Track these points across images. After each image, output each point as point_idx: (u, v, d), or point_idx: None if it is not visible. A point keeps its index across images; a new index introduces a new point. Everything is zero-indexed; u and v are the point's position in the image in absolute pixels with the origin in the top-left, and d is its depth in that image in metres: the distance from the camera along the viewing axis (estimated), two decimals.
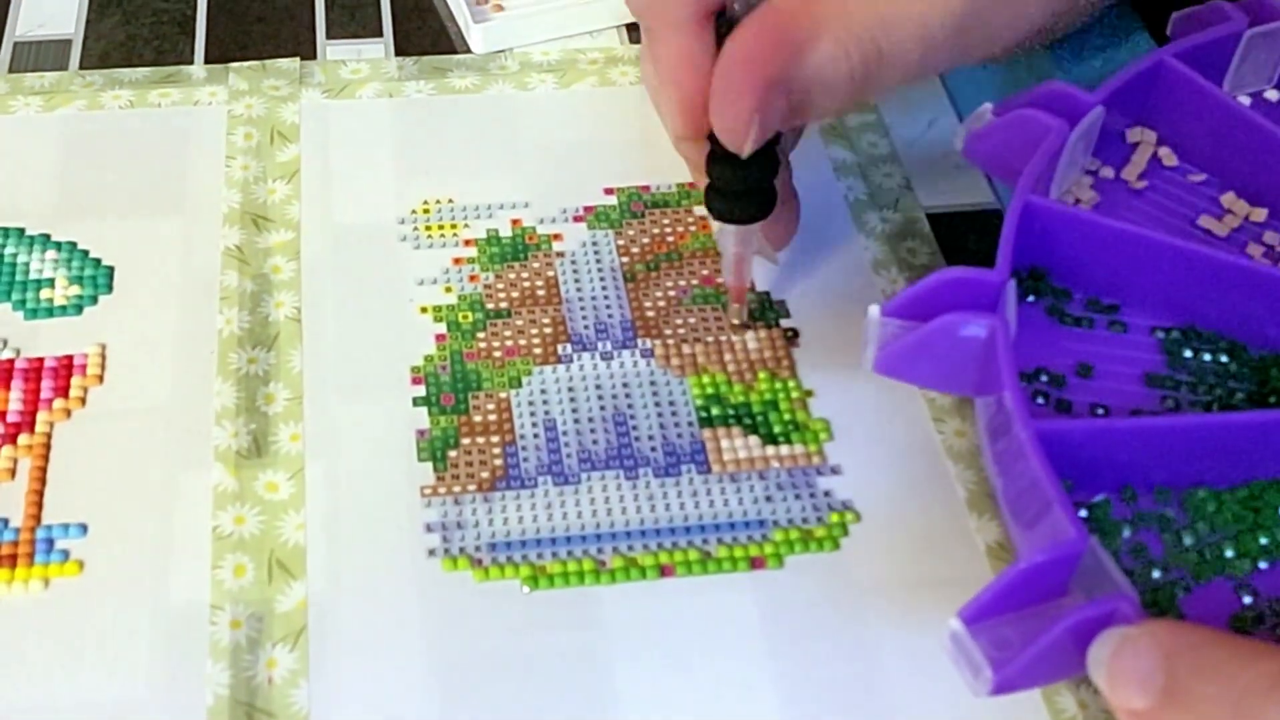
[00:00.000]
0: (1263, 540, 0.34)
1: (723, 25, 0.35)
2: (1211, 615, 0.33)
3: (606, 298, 0.41)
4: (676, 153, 0.40)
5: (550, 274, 0.41)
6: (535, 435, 0.37)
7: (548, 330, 0.40)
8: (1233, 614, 0.33)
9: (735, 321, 0.40)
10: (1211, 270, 0.37)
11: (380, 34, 0.50)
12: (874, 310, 0.33)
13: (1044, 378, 0.37)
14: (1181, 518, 0.35)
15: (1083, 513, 0.34)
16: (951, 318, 0.33)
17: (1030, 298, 0.39)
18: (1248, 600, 0.33)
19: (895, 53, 0.34)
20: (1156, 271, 0.38)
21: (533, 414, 0.38)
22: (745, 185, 0.36)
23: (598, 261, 0.42)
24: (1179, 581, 0.33)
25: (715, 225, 0.38)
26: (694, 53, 0.35)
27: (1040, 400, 0.37)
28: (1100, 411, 0.37)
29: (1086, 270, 0.39)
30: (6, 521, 0.35)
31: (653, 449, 0.37)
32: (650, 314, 0.40)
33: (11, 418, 0.37)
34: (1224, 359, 0.38)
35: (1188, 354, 0.38)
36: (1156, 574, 0.34)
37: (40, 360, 0.38)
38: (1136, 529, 0.34)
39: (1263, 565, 0.34)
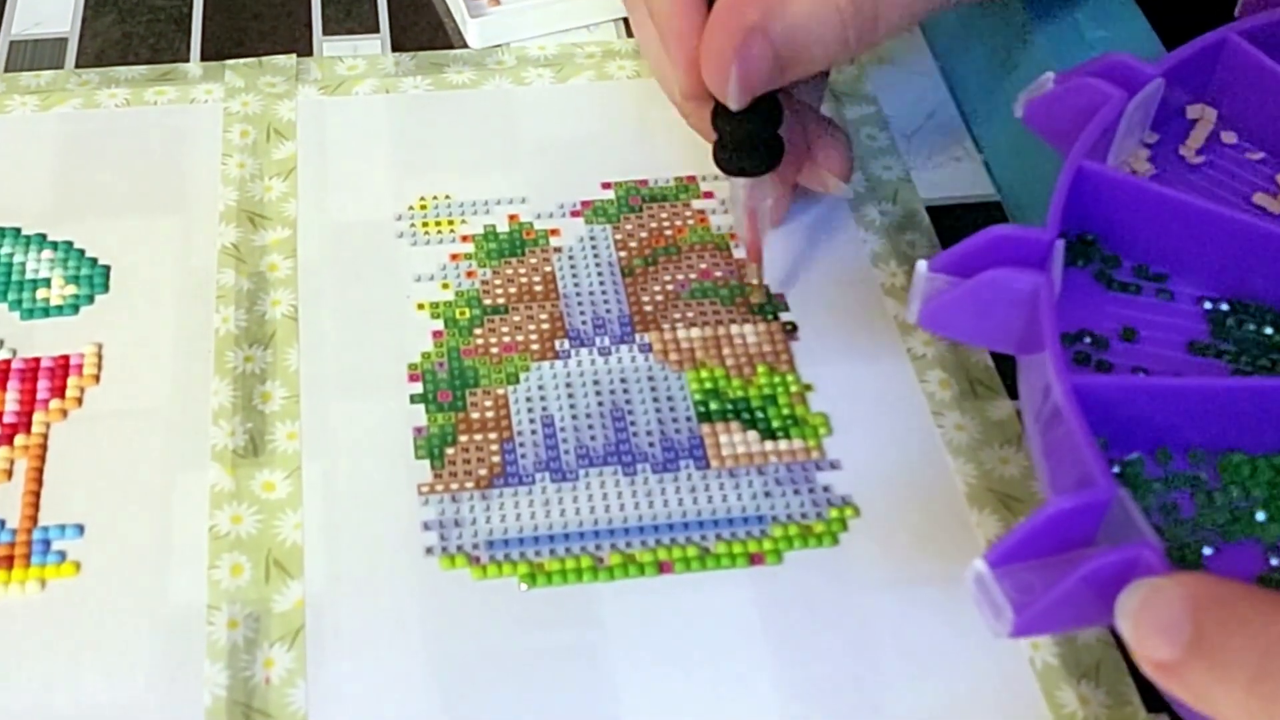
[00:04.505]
0: None
1: None
2: (1237, 574, 0.32)
3: (604, 293, 0.41)
4: (686, 123, 0.40)
5: (548, 269, 0.41)
6: (533, 432, 0.37)
7: (545, 326, 0.40)
8: (1259, 574, 0.33)
9: (754, 282, 0.40)
10: (1264, 243, 0.37)
11: (377, 30, 0.50)
12: (922, 265, 0.33)
13: (1087, 339, 0.37)
14: (1214, 480, 0.34)
15: (1115, 469, 0.34)
16: (998, 273, 0.33)
17: (1079, 262, 0.39)
18: (1275, 562, 0.33)
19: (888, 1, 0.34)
20: (1207, 242, 0.38)
21: (530, 410, 0.38)
22: (748, 137, 0.37)
23: (595, 256, 0.42)
24: (1207, 539, 0.33)
25: (727, 182, 0.39)
26: (688, 4, 0.35)
27: (1082, 361, 0.37)
28: (1141, 374, 0.36)
29: (1136, 237, 0.38)
30: (3, 523, 0.35)
31: (651, 445, 0.37)
32: (648, 309, 0.40)
33: (8, 418, 0.37)
34: (1269, 330, 0.38)
35: (1232, 324, 0.38)
36: (1185, 532, 0.33)
37: (36, 360, 0.38)
38: (1169, 489, 0.34)
39: None
